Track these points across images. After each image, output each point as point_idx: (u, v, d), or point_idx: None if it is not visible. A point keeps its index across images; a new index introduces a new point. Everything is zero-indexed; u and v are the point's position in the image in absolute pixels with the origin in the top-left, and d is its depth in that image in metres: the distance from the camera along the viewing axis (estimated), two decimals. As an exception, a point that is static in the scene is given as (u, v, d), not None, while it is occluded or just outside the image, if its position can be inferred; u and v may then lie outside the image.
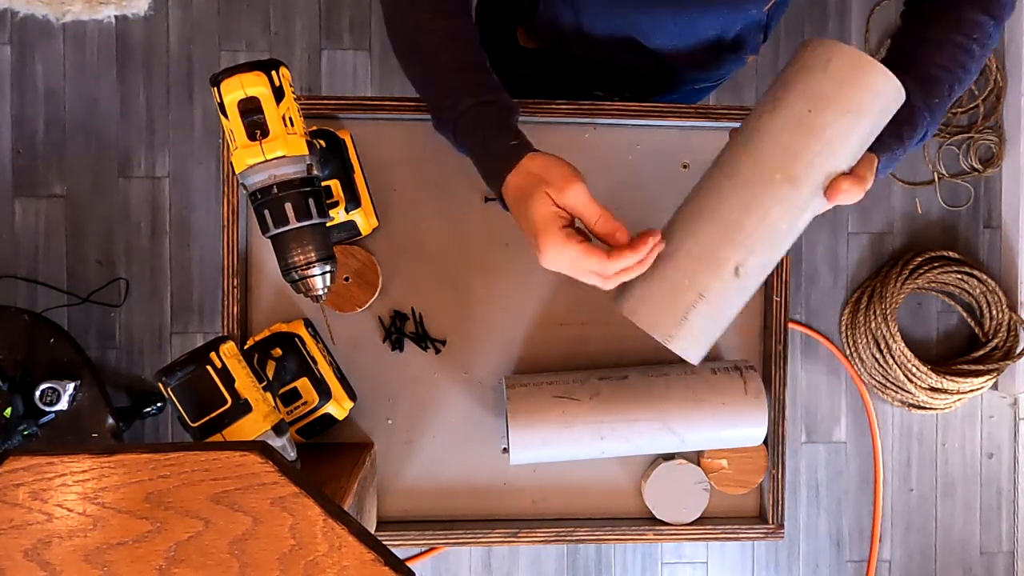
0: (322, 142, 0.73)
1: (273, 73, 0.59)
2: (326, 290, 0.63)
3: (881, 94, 0.57)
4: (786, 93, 0.58)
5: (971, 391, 1.80)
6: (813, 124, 0.56)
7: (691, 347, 0.60)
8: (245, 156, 0.59)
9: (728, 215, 0.58)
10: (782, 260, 0.82)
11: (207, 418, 0.60)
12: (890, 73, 0.56)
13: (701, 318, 0.59)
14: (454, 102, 0.65)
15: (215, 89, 0.59)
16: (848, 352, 1.88)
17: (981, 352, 1.86)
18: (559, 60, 0.87)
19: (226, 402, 0.60)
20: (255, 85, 0.58)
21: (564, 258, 0.58)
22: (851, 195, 0.59)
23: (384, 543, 0.46)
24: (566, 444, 0.75)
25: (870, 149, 0.63)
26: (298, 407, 0.74)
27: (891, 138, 0.65)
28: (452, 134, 0.67)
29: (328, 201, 0.73)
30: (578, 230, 0.60)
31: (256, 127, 0.59)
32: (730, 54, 0.83)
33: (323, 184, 0.72)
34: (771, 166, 0.57)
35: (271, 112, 0.59)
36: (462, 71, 0.66)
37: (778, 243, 0.59)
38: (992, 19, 0.65)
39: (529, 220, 0.59)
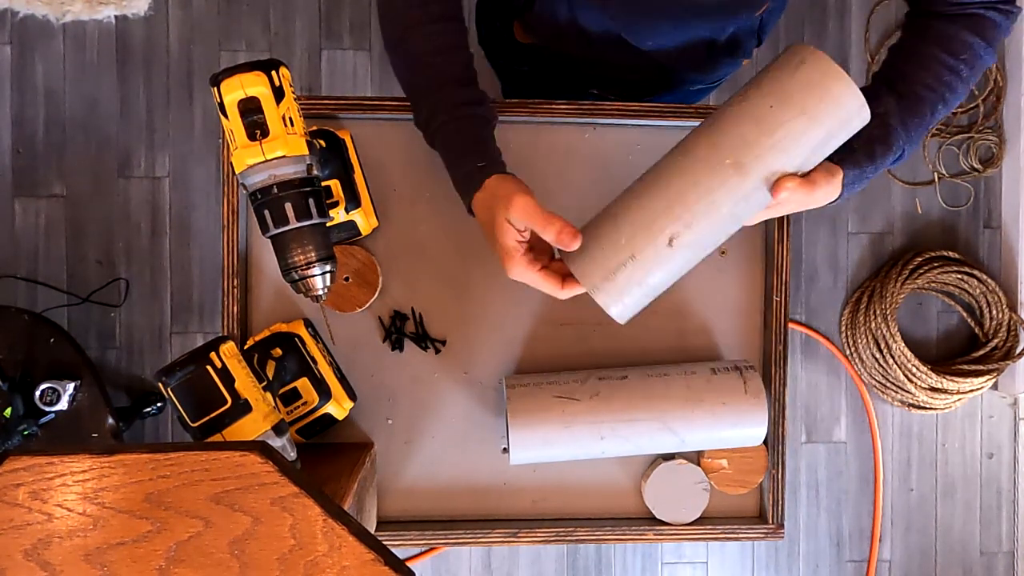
0: (322, 142, 0.73)
1: (273, 73, 0.59)
2: (326, 290, 0.63)
3: (843, 106, 0.58)
4: (757, 88, 0.60)
5: (971, 391, 1.80)
6: (770, 119, 0.58)
7: (613, 303, 0.62)
8: (245, 156, 0.59)
9: (674, 189, 0.60)
10: (782, 261, 0.82)
11: (207, 418, 0.60)
12: (856, 88, 0.58)
13: (628, 278, 0.62)
14: (431, 114, 0.68)
15: (215, 89, 0.59)
16: (848, 352, 1.88)
17: (981, 352, 1.86)
18: (555, 56, 0.87)
19: (226, 402, 0.60)
20: (255, 85, 0.58)
21: (525, 279, 0.64)
22: (796, 196, 0.60)
23: (384, 543, 0.46)
24: (566, 444, 0.75)
25: (838, 161, 0.64)
26: (298, 407, 0.74)
27: (861, 154, 0.65)
28: (428, 140, 0.70)
29: (328, 201, 0.73)
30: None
31: (256, 127, 0.59)
32: (724, 56, 0.83)
33: (323, 184, 0.72)
34: (724, 151, 0.59)
35: (271, 112, 0.59)
36: (442, 84, 0.68)
37: (717, 225, 0.61)
38: (983, 42, 0.65)
39: (496, 243, 0.64)
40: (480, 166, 0.65)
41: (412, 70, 0.69)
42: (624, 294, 0.62)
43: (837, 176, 0.63)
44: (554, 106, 0.81)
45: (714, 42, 0.80)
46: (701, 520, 0.83)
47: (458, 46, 0.69)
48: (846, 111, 0.58)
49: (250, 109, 0.58)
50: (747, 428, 0.76)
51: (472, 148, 0.67)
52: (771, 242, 0.83)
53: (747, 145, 0.59)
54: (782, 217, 0.81)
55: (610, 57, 0.84)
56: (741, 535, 0.83)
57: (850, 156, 0.64)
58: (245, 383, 0.62)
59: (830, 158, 0.63)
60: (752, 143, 0.59)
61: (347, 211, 0.74)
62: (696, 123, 0.81)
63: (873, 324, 1.80)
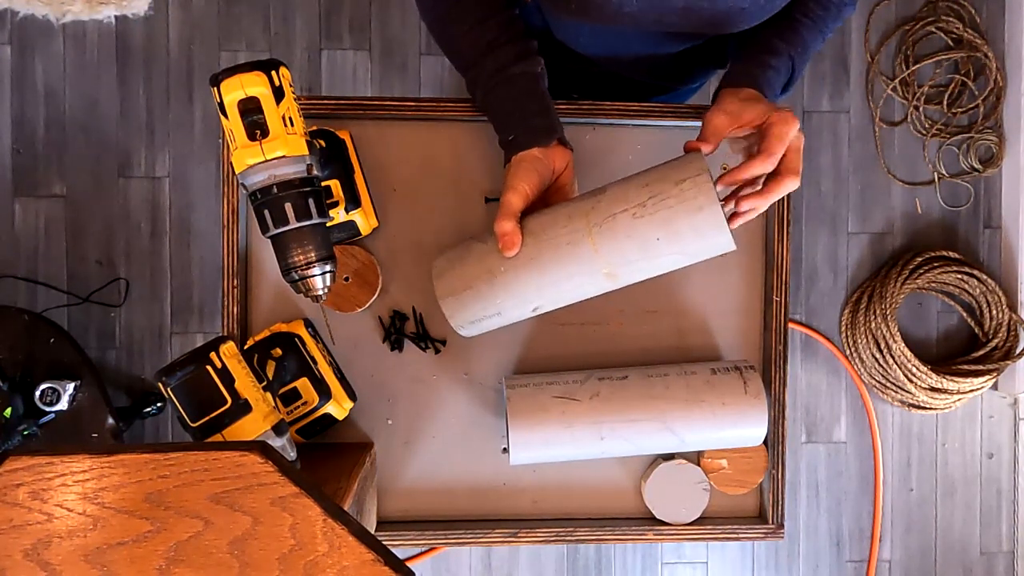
0: (322, 142, 0.73)
1: (273, 73, 0.59)
2: (326, 290, 0.63)
3: (718, 249, 0.65)
4: (652, 212, 0.64)
5: (971, 391, 1.80)
6: (654, 248, 0.65)
7: (467, 332, 0.74)
8: (245, 156, 0.59)
9: (551, 276, 0.67)
10: (782, 261, 0.82)
11: (207, 418, 0.60)
12: (731, 239, 0.63)
13: (488, 323, 0.72)
14: (472, 89, 0.72)
15: (215, 89, 0.59)
16: (848, 352, 1.88)
17: (981, 352, 1.85)
18: None
19: (226, 402, 0.60)
20: (255, 85, 0.58)
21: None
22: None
23: (384, 543, 0.46)
24: (566, 444, 0.75)
25: (755, 80, 0.69)
26: (298, 407, 0.74)
27: (769, 69, 0.70)
28: (478, 104, 0.74)
29: (328, 201, 0.73)
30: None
31: (256, 127, 0.58)
32: (698, 67, 0.86)
33: (323, 184, 0.72)
34: (604, 262, 0.66)
35: (271, 112, 0.59)
36: (476, 58, 0.70)
37: (574, 301, 0.71)
38: None
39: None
40: (509, 139, 0.70)
41: (451, 53, 0.74)
42: (479, 329, 0.73)
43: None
44: (554, 106, 0.81)
45: (687, 53, 0.81)
46: (701, 520, 0.83)
47: (486, 14, 0.70)
48: (718, 251, 0.65)
49: (250, 109, 0.58)
50: (747, 428, 0.76)
51: (506, 119, 0.71)
52: (771, 242, 0.83)
53: (627, 263, 0.66)
54: (782, 217, 0.81)
55: (585, 67, 0.85)
56: (741, 535, 0.83)
57: (762, 71, 0.70)
58: (245, 383, 0.62)
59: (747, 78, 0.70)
60: (632, 262, 0.66)
61: (347, 211, 0.74)
62: (697, 123, 0.81)
63: (873, 324, 1.80)
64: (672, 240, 0.64)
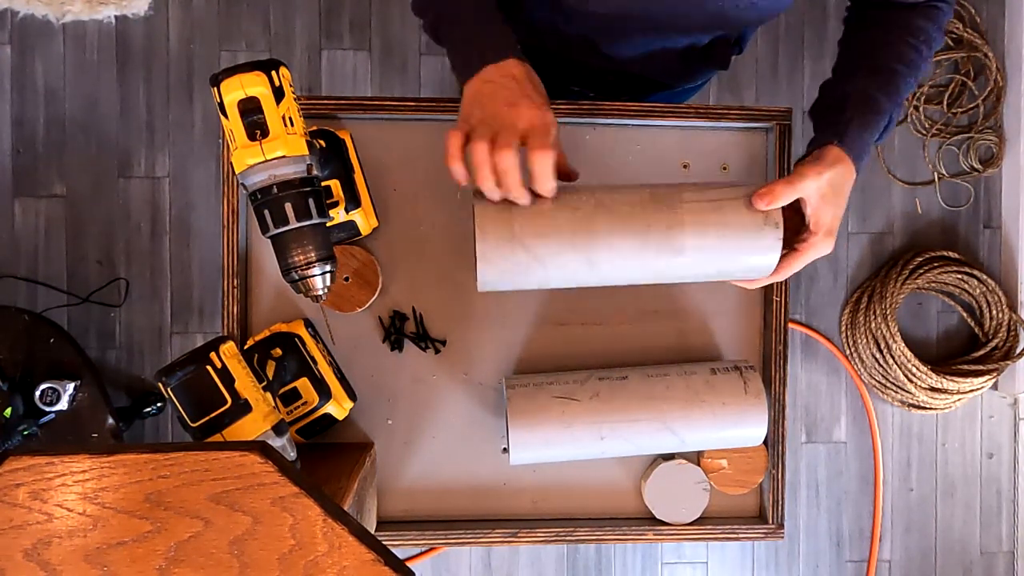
0: (322, 142, 0.73)
1: (273, 73, 0.59)
2: (326, 290, 0.63)
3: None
4: (731, 273, 0.69)
5: (971, 391, 1.80)
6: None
7: (486, 290, 0.68)
8: (245, 156, 0.59)
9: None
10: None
11: (207, 418, 0.60)
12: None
13: (521, 286, 0.69)
14: (436, 14, 0.68)
15: (215, 89, 0.59)
16: (848, 352, 1.88)
17: (981, 352, 1.85)
18: (533, 52, 0.88)
19: (226, 402, 0.60)
20: (255, 85, 0.58)
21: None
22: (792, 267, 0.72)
23: (384, 543, 0.46)
24: (566, 444, 0.75)
25: (842, 142, 0.68)
26: (298, 407, 0.74)
27: (858, 126, 0.70)
28: (434, 38, 0.69)
29: (328, 201, 0.73)
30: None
31: (256, 127, 0.58)
32: (700, 65, 0.85)
33: (323, 184, 0.72)
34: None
35: (271, 112, 0.59)
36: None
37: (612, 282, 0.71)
38: (935, 25, 0.74)
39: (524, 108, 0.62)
40: (480, 52, 0.64)
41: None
42: (504, 286, 0.68)
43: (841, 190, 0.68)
44: (554, 106, 0.80)
45: (690, 50, 0.81)
46: (701, 520, 0.83)
47: None
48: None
49: (250, 109, 0.58)
50: (747, 428, 0.76)
51: (471, 32, 0.66)
52: (771, 242, 0.83)
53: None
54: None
55: (587, 59, 0.85)
56: (741, 535, 0.83)
57: (850, 131, 0.69)
58: (245, 383, 0.62)
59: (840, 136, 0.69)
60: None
61: (347, 211, 0.74)
62: (696, 123, 0.82)
63: (873, 324, 1.80)
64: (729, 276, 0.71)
